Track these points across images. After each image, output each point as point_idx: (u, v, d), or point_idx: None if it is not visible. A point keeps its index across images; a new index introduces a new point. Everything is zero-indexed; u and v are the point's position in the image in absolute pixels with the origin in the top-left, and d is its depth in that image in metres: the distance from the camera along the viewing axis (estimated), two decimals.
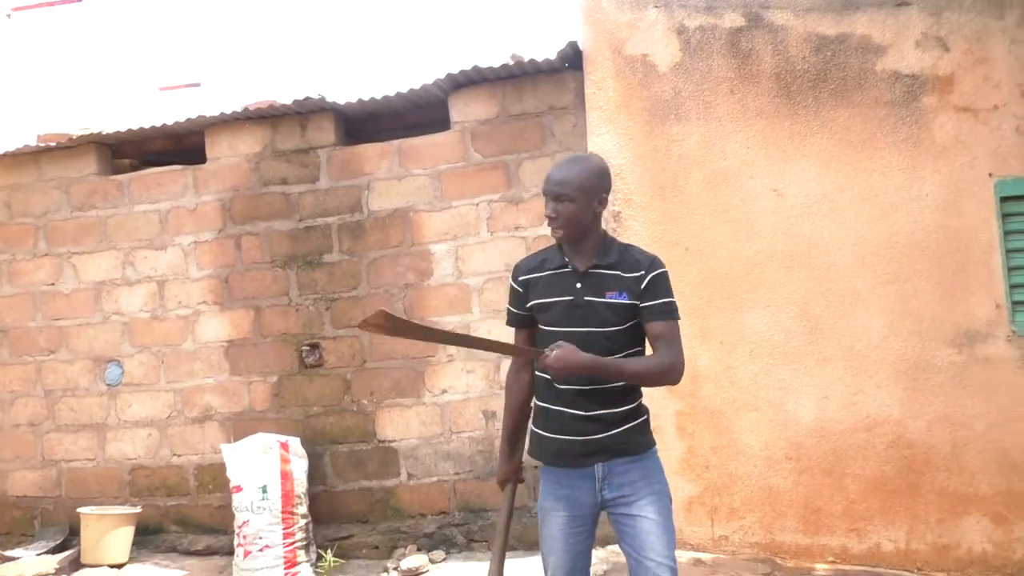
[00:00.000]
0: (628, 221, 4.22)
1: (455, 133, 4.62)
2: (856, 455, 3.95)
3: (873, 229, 3.97)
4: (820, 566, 3.93)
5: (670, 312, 2.27)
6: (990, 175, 3.88)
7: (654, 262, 2.30)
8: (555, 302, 2.30)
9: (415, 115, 4.83)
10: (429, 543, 4.46)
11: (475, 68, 4.41)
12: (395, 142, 4.69)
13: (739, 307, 4.09)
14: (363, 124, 4.96)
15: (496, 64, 4.38)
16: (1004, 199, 3.85)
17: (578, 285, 2.28)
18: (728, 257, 4.12)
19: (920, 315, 3.91)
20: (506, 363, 4.44)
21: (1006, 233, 3.86)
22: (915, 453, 3.89)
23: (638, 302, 2.25)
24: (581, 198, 2.23)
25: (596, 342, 2.21)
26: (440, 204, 4.61)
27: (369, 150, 4.73)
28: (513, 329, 2.47)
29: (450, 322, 4.52)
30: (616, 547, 4.07)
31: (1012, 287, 3.84)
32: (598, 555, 3.90)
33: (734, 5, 4.19)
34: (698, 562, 4.02)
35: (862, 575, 3.84)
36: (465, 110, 4.61)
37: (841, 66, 4.05)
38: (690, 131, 4.20)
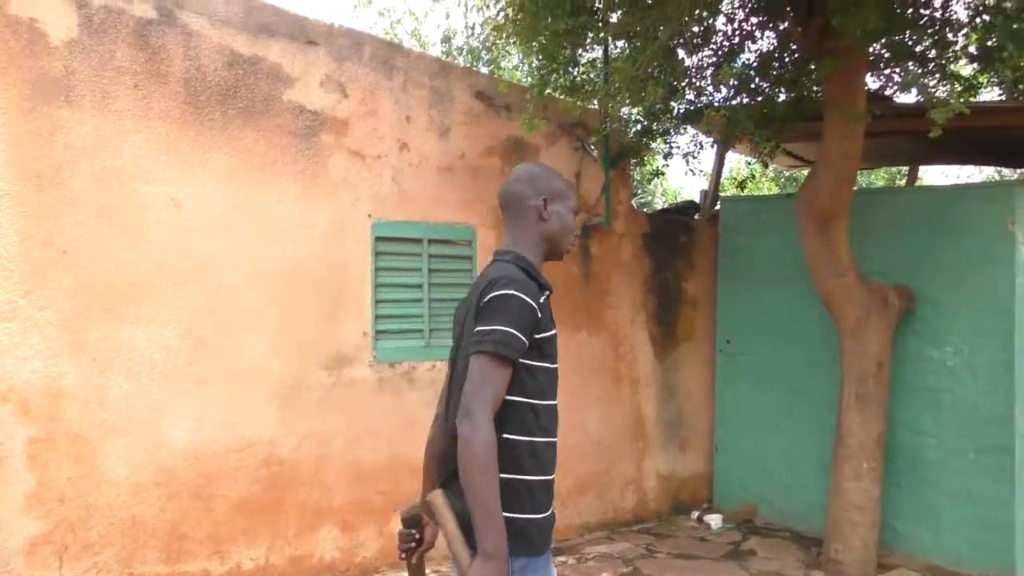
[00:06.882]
0: None
1: None
2: (227, 476, 3.94)
3: (266, 252, 4.06)
4: None
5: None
6: (369, 216, 4.34)
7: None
8: (555, 334, 1.89)
9: None
10: None
11: None
12: None
13: (120, 321, 3.74)
14: None
15: None
16: (378, 239, 4.35)
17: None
18: (113, 265, 3.74)
19: (300, 338, 4.13)
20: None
21: (377, 269, 4.35)
22: (283, 471, 4.07)
23: None
24: None
25: None
26: None
27: None
28: (503, 368, 1.72)
29: None
30: None
31: (377, 318, 4.35)
32: None
33: None
34: None
35: None
36: None
37: (251, 87, 4.07)
38: (82, 119, 3.72)
